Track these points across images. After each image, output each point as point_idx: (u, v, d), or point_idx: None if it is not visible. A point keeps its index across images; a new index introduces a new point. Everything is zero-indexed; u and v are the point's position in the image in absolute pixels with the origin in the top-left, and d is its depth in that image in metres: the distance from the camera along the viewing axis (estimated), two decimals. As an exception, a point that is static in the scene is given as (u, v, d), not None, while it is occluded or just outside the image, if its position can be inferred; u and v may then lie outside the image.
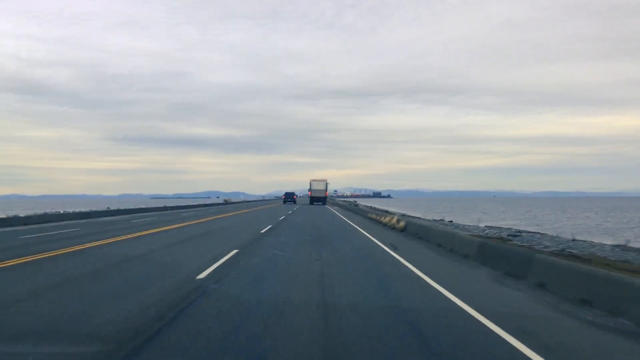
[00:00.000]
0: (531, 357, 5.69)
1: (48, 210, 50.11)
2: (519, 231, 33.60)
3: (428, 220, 45.80)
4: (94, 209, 51.41)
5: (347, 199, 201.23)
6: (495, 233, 31.71)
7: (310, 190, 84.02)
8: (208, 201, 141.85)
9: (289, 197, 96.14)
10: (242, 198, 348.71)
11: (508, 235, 30.03)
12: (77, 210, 46.97)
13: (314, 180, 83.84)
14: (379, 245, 18.04)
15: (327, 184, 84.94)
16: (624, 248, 23.23)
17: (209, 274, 10.99)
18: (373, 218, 36.45)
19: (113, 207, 55.68)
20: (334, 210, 55.94)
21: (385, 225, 30.09)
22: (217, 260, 13.23)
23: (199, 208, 67.54)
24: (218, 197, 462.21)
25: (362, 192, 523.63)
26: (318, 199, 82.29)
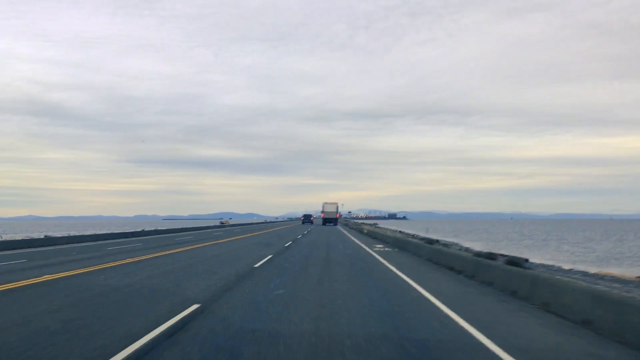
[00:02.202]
0: None
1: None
2: None
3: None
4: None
5: (364, 221, 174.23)
6: None
7: (323, 212, 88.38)
8: (197, 224, 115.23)
9: (307, 219, 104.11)
10: (254, 219, 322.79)
11: None
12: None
13: (326, 203, 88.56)
14: None
15: (337, 206, 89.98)
16: None
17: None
18: None
19: (125, 230, 51.92)
20: (373, 252, 23.96)
21: None
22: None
23: (178, 233, 51.74)
24: (230, 218, 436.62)
25: (377, 214, 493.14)
26: (330, 220, 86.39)
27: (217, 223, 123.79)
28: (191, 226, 77.77)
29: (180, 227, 68.04)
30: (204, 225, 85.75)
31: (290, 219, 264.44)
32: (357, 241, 32.74)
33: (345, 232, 49.75)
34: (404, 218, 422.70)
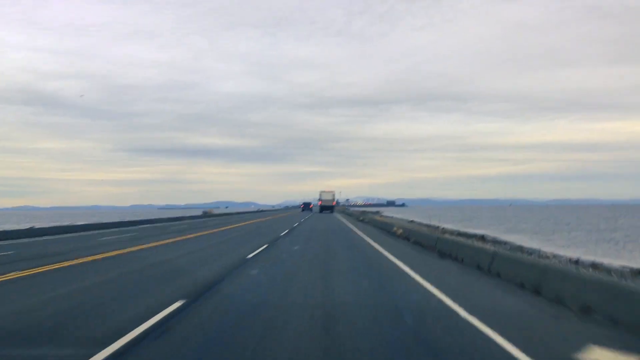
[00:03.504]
0: None
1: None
2: None
3: None
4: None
5: (366, 209, 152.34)
6: None
7: (320, 200, 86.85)
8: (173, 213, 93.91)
9: (306, 207, 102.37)
10: (252, 207, 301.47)
11: None
12: None
13: (323, 191, 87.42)
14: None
15: (334, 194, 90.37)
16: None
17: None
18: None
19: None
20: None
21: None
22: None
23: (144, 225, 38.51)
24: (227, 207, 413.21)
25: (375, 201, 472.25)
26: (327, 207, 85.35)
27: (200, 213, 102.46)
28: (166, 216, 61.16)
29: (130, 219, 48.70)
30: (175, 217, 62.90)
31: (287, 207, 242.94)
32: (417, 278, 10.11)
33: (358, 232, 27.08)
34: (403, 205, 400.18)
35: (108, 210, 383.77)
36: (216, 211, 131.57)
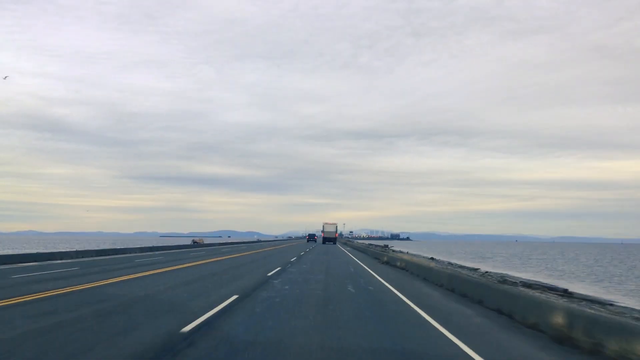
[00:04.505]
0: None
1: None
2: None
3: None
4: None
5: (372, 242, 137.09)
6: None
7: (323, 232, 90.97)
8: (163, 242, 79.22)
9: (311, 237, 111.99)
10: (255, 237, 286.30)
11: None
12: None
13: (326, 223, 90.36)
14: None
15: (337, 226, 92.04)
16: None
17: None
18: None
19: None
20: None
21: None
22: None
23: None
24: (229, 237, 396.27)
25: (379, 234, 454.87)
26: (329, 239, 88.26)
27: (190, 242, 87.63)
28: (156, 245, 54.29)
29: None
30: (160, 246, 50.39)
31: (290, 238, 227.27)
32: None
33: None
34: (408, 239, 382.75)
35: (123, 237, 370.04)
36: (207, 240, 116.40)
